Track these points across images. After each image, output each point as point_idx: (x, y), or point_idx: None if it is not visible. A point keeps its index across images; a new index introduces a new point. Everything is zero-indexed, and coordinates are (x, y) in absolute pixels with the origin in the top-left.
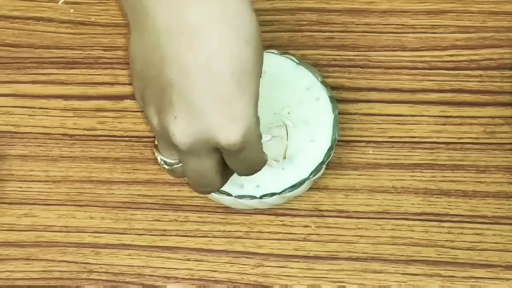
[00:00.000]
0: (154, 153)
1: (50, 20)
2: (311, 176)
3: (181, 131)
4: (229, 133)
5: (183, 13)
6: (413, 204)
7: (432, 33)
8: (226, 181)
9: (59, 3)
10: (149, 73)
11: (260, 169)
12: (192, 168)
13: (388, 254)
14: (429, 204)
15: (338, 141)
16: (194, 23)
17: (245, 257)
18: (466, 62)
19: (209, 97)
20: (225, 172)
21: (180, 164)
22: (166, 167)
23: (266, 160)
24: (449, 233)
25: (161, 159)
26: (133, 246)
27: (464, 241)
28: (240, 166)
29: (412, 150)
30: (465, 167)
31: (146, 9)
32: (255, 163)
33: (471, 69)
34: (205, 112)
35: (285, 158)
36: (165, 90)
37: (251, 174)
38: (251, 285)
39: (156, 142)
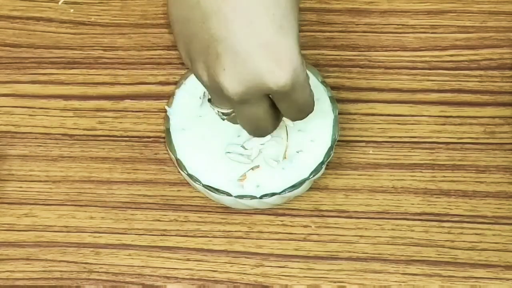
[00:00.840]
0: (210, 107)
1: (50, 20)
2: (311, 176)
3: (232, 82)
4: (278, 76)
5: None
6: (413, 204)
7: (432, 33)
8: (279, 124)
9: (59, 3)
10: (192, 31)
11: (310, 112)
12: (246, 116)
13: (388, 254)
14: (429, 204)
15: (338, 141)
16: None
17: (245, 257)
18: (466, 62)
19: (254, 44)
20: (277, 114)
21: (234, 114)
22: (224, 117)
23: (314, 103)
24: (449, 233)
25: (217, 111)
26: (133, 246)
27: (464, 241)
28: (291, 109)
29: (412, 150)
30: (465, 167)
31: None
32: (305, 104)
33: (471, 69)
34: (252, 59)
35: (285, 158)
36: (210, 45)
37: (302, 118)
38: (251, 285)
39: (209, 96)
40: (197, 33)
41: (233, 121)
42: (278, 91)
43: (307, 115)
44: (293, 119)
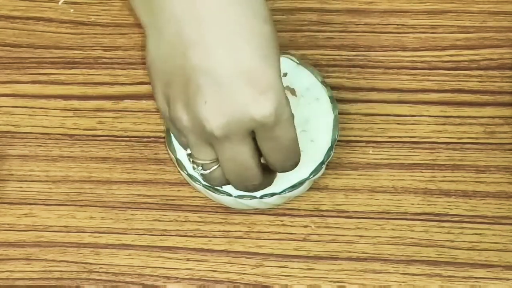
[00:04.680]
0: (190, 164)
1: (50, 20)
2: (311, 176)
3: (214, 114)
4: (262, 106)
5: (199, 0)
6: (413, 204)
7: (432, 33)
8: (269, 182)
9: (59, 3)
10: (172, 68)
11: (297, 160)
12: (230, 157)
13: (388, 254)
14: (429, 204)
15: (338, 141)
16: (212, 7)
17: (245, 257)
18: (466, 62)
19: (237, 72)
20: (264, 168)
21: (217, 165)
22: (204, 172)
23: (299, 151)
24: (449, 233)
25: (197, 165)
26: (133, 246)
27: (464, 241)
28: (275, 151)
29: (412, 150)
30: (465, 167)
31: (162, 4)
32: (291, 145)
33: (471, 69)
34: (235, 88)
35: None
36: (191, 78)
37: (289, 167)
38: (251, 285)
39: (188, 152)
40: (177, 68)
41: (213, 180)
42: (262, 123)
43: (294, 163)
44: (279, 166)
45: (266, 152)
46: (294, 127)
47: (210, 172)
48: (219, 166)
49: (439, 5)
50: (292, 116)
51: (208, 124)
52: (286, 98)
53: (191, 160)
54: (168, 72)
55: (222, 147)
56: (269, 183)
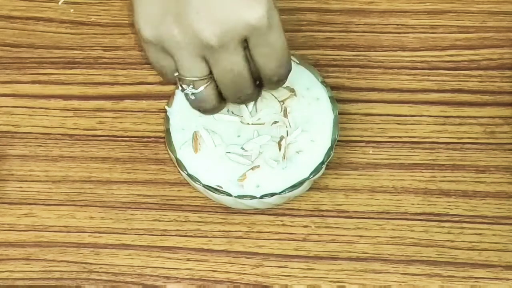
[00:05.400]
0: (179, 88)
1: (50, 20)
2: (311, 176)
3: (208, 23)
4: (254, 10)
5: None
6: (413, 204)
7: (432, 33)
8: (259, 93)
9: (59, 3)
10: None
11: (289, 67)
12: (226, 67)
13: (388, 254)
14: (429, 204)
15: (338, 141)
16: None
17: (245, 257)
18: (466, 62)
19: None
20: (256, 81)
21: (209, 82)
22: (196, 91)
23: (290, 58)
24: (449, 233)
25: (187, 84)
26: (133, 246)
27: (464, 241)
28: (269, 57)
29: (412, 150)
30: (465, 167)
31: None
32: (283, 50)
33: (471, 69)
34: None
35: (285, 158)
36: None
37: (281, 75)
38: (251, 285)
39: (176, 74)
40: None
41: (206, 97)
42: (256, 27)
43: (287, 71)
44: (273, 74)
45: (260, 60)
46: (283, 30)
47: (201, 91)
48: (210, 83)
49: (439, 5)
50: (280, 20)
51: (203, 34)
52: (274, 3)
53: (180, 81)
54: None
55: (217, 58)
56: (257, 96)
